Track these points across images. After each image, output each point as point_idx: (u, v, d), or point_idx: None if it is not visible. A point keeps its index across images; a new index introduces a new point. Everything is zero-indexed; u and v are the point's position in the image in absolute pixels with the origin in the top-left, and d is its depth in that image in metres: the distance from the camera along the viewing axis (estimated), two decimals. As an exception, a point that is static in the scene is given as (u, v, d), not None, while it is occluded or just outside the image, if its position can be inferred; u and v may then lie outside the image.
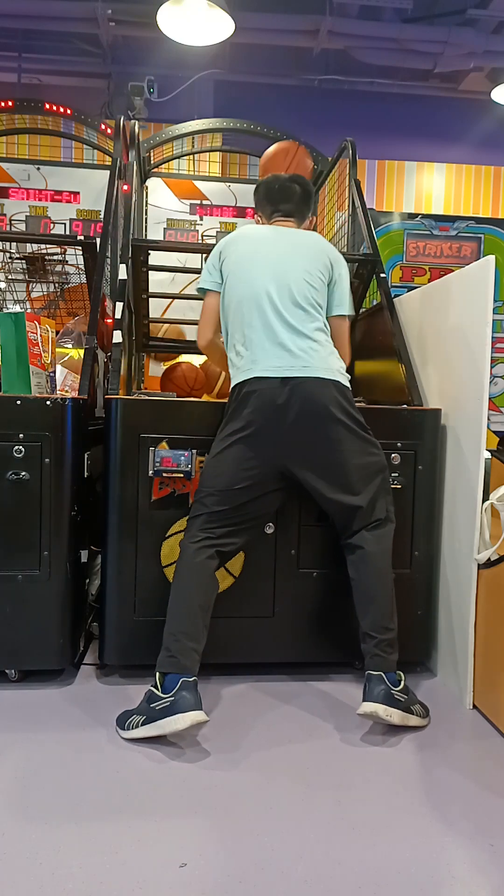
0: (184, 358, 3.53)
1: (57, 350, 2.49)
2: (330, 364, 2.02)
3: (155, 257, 2.83)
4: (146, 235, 3.85)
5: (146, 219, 3.88)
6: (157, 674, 1.83)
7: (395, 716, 1.86)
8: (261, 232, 2.19)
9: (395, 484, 2.20)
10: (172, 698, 1.76)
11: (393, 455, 2.21)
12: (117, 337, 2.33)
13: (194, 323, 3.65)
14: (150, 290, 2.97)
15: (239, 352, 2.05)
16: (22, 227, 3.79)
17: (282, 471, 1.99)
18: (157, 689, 1.81)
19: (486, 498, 2.06)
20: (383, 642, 1.93)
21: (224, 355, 2.17)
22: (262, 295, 2.04)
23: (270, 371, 1.98)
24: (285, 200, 2.25)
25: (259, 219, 2.31)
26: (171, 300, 3.67)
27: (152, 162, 3.78)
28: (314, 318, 2.05)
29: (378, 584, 1.98)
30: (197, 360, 3.45)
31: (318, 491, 2.00)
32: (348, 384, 2.05)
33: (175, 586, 1.93)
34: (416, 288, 2.69)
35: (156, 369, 3.75)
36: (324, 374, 1.99)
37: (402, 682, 1.93)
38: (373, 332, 2.87)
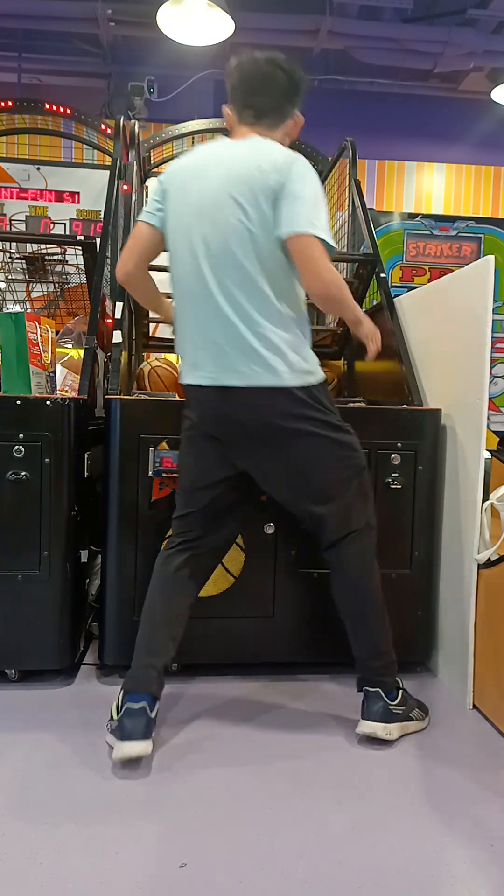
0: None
1: (57, 350, 2.49)
2: (275, 365, 1.66)
3: (155, 257, 2.83)
4: (146, 235, 3.84)
5: (146, 219, 3.87)
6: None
7: (394, 731, 1.82)
8: (196, 162, 1.74)
9: (396, 484, 2.20)
10: (117, 722, 1.69)
11: (393, 455, 2.21)
12: (117, 337, 2.33)
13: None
14: (150, 290, 2.97)
15: (176, 340, 1.82)
16: (22, 227, 3.79)
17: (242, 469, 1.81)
18: (115, 702, 1.76)
19: (486, 498, 2.06)
20: (375, 669, 1.84)
21: (150, 292, 1.94)
22: (188, 264, 1.70)
23: (204, 379, 1.71)
24: (259, 92, 1.73)
25: (229, 117, 1.82)
26: (171, 300, 3.66)
27: (152, 162, 3.78)
28: (257, 292, 1.65)
29: (363, 609, 1.84)
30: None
31: (282, 500, 1.84)
32: (310, 378, 1.72)
33: (146, 596, 1.84)
34: (416, 288, 2.69)
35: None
36: (269, 380, 1.66)
37: (399, 692, 1.86)
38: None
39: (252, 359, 1.66)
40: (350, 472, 1.81)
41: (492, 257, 2.05)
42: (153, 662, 1.74)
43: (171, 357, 3.49)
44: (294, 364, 1.69)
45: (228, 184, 1.65)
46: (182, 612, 1.83)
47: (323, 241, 1.63)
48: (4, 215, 3.83)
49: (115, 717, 1.72)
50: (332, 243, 1.66)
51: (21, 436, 2.02)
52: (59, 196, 3.89)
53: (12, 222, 3.82)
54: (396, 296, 2.76)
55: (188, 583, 1.84)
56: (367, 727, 1.79)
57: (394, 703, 1.82)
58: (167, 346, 3.45)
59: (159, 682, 1.75)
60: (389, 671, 1.85)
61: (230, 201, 1.65)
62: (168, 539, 1.90)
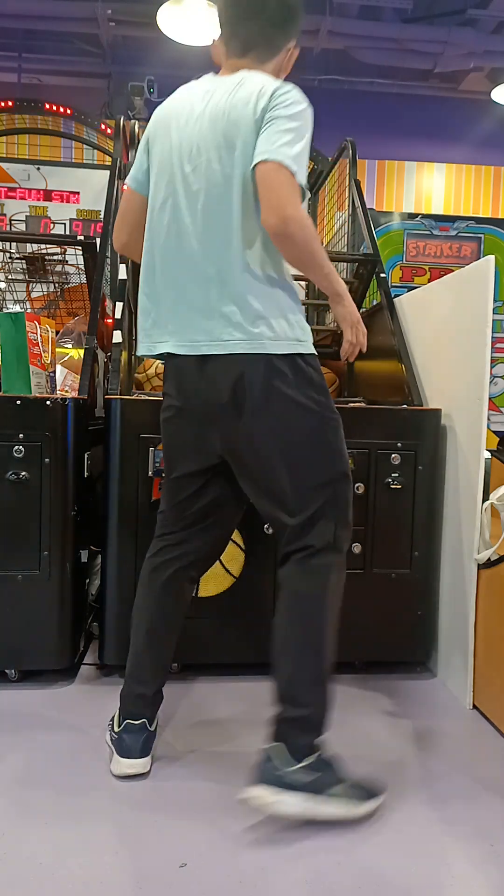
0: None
1: (57, 350, 2.49)
2: (256, 327, 1.46)
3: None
4: (146, 235, 3.84)
5: (146, 219, 3.88)
6: None
7: (290, 803, 1.39)
8: (180, 102, 1.59)
9: (396, 484, 2.20)
10: (118, 736, 1.64)
11: (393, 455, 2.21)
12: (117, 337, 2.33)
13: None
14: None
15: (142, 304, 1.62)
16: (22, 227, 3.79)
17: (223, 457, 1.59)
18: (116, 712, 1.70)
19: (486, 498, 2.06)
20: (289, 721, 1.45)
21: None
22: (166, 215, 1.55)
23: (179, 347, 1.53)
24: (246, 19, 1.54)
25: (216, 49, 1.66)
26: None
27: (152, 162, 3.77)
28: (239, 247, 1.47)
29: (294, 640, 1.49)
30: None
31: (252, 499, 1.60)
32: (297, 347, 1.49)
33: (133, 608, 1.71)
34: (416, 288, 2.69)
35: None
36: (245, 346, 1.46)
37: (314, 757, 1.43)
38: (373, 332, 2.86)
39: (229, 323, 1.47)
40: (324, 476, 1.51)
41: (492, 257, 2.05)
42: (143, 692, 1.66)
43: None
44: (277, 330, 1.47)
45: (211, 124, 1.50)
46: (172, 629, 1.69)
47: (295, 174, 1.40)
48: (4, 215, 3.83)
49: (115, 728, 1.67)
50: (304, 183, 1.45)
51: (21, 436, 2.02)
52: (60, 196, 3.89)
53: (12, 222, 3.82)
54: (396, 296, 2.76)
55: (176, 603, 1.68)
56: (252, 791, 1.41)
57: (297, 766, 1.41)
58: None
59: (153, 706, 1.68)
60: (305, 730, 1.46)
61: (211, 144, 1.49)
62: (154, 540, 1.72)
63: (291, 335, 1.49)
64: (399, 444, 2.22)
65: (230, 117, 1.47)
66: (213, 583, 2.15)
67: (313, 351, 1.54)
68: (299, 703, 1.45)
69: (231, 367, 1.47)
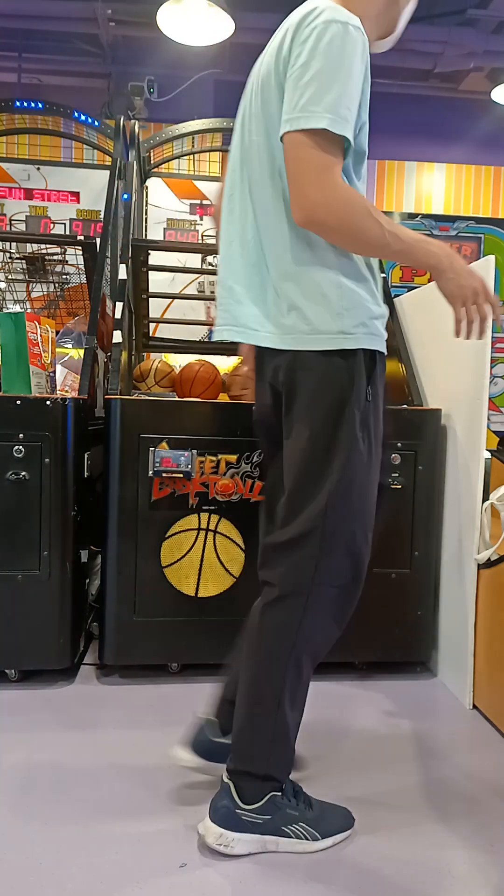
0: (181, 358, 3.53)
1: (57, 350, 2.49)
2: (280, 319, 1.29)
3: (155, 257, 2.83)
4: (146, 235, 3.85)
5: (146, 219, 3.88)
6: None
7: (238, 844, 1.33)
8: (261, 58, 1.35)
9: (396, 484, 2.20)
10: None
11: (393, 455, 2.20)
12: (117, 337, 2.33)
13: (193, 323, 3.68)
14: (150, 291, 2.97)
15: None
16: (22, 227, 3.79)
17: None
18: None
19: (486, 498, 2.06)
20: (237, 771, 1.36)
21: None
22: (226, 189, 1.39)
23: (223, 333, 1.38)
24: None
25: None
26: (171, 300, 3.67)
27: (152, 162, 3.78)
28: (280, 222, 1.28)
29: (244, 691, 1.36)
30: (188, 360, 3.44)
31: None
32: (342, 341, 1.26)
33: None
34: (416, 288, 2.69)
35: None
36: (271, 340, 1.30)
37: (266, 799, 1.35)
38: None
39: (260, 309, 1.31)
40: (320, 526, 1.27)
41: (492, 257, 2.05)
42: (225, 696, 1.54)
43: (170, 357, 3.50)
44: (296, 318, 1.27)
45: (253, 83, 1.31)
46: (245, 648, 1.43)
47: (324, 131, 1.14)
48: (4, 215, 3.83)
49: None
50: (343, 130, 1.15)
51: (21, 436, 2.02)
52: (59, 196, 3.89)
53: (12, 222, 3.82)
54: (396, 296, 2.76)
55: (253, 617, 1.43)
56: (201, 827, 1.37)
57: (247, 807, 1.34)
58: (168, 346, 3.46)
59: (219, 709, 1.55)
60: (252, 781, 1.35)
61: (254, 103, 1.30)
62: None
63: (325, 327, 1.28)
64: (399, 444, 2.22)
65: (262, 72, 1.28)
66: (213, 583, 2.15)
67: (357, 346, 1.28)
68: (244, 758, 1.35)
69: (270, 361, 1.38)
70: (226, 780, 1.37)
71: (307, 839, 1.38)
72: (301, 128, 1.15)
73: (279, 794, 1.37)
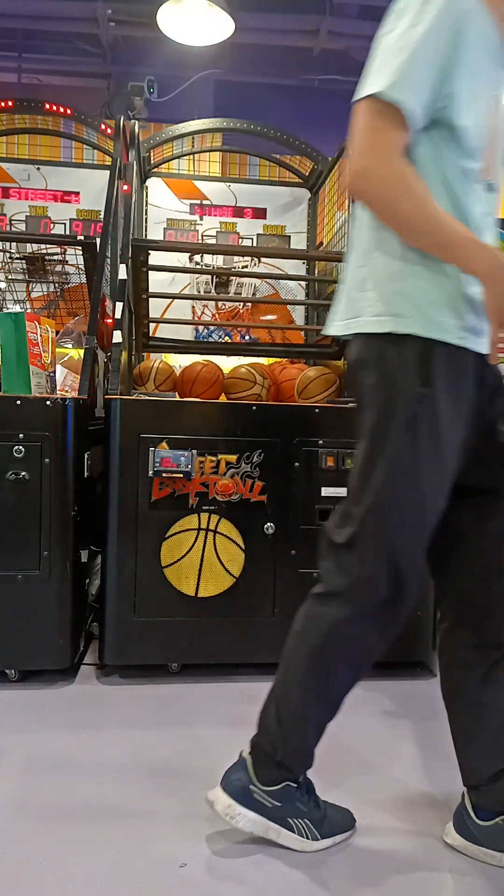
0: (181, 359, 3.53)
1: (57, 350, 2.49)
2: (359, 305, 1.23)
3: (155, 257, 2.83)
4: (146, 235, 3.85)
5: (146, 219, 3.88)
6: None
7: (242, 819, 1.34)
8: None
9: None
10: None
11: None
12: (117, 337, 2.33)
13: (193, 323, 3.68)
14: (150, 290, 2.97)
15: None
16: (22, 227, 3.79)
17: None
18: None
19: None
20: (260, 747, 1.37)
21: None
22: None
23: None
24: None
25: None
26: (170, 300, 3.67)
27: (152, 162, 3.78)
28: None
29: (282, 677, 1.37)
30: (188, 360, 3.45)
31: None
32: (398, 323, 1.16)
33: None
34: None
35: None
36: (356, 324, 1.23)
37: (281, 786, 1.36)
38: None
39: (344, 295, 1.29)
40: (359, 534, 1.24)
41: (492, 257, 2.04)
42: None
43: (170, 357, 3.50)
44: (371, 300, 1.20)
45: None
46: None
47: (379, 97, 1.09)
48: (4, 215, 3.83)
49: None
50: (399, 94, 1.08)
51: (21, 436, 2.02)
52: (60, 196, 3.89)
53: (12, 222, 3.82)
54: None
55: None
56: (211, 794, 1.38)
57: (262, 787, 1.35)
58: (167, 346, 3.45)
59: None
60: (271, 765, 1.36)
61: None
62: None
63: (382, 309, 1.20)
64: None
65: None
66: (213, 583, 2.15)
67: (416, 333, 1.17)
68: (270, 739, 1.36)
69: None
70: (245, 755, 1.39)
71: (307, 838, 1.38)
72: (361, 97, 1.13)
73: (294, 785, 1.37)
